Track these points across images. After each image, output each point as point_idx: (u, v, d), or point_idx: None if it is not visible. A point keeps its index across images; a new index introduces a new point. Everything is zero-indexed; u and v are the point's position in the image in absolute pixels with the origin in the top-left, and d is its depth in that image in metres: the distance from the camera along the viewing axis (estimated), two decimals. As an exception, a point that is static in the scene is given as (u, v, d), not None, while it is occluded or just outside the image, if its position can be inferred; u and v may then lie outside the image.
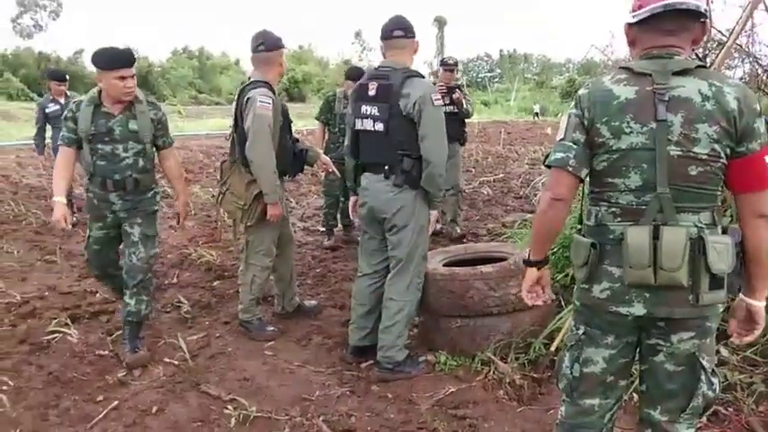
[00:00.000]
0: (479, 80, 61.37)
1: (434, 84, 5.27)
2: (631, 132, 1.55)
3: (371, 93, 2.92)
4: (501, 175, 10.06)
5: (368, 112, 2.94)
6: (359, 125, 3.00)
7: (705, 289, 1.53)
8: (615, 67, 1.70)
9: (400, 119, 2.83)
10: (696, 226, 1.54)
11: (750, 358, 2.87)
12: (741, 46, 3.88)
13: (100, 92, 3.08)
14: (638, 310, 1.60)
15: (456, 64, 5.72)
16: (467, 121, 5.78)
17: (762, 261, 1.59)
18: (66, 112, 3.12)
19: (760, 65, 3.87)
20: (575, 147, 1.63)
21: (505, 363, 2.98)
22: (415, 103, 2.79)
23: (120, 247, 3.35)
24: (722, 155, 1.52)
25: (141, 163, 3.16)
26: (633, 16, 1.61)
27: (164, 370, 3.14)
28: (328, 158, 3.82)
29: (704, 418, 2.50)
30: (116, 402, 2.80)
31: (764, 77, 3.90)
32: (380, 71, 2.96)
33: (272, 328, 3.63)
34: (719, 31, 4.23)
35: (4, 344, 3.40)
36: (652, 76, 1.54)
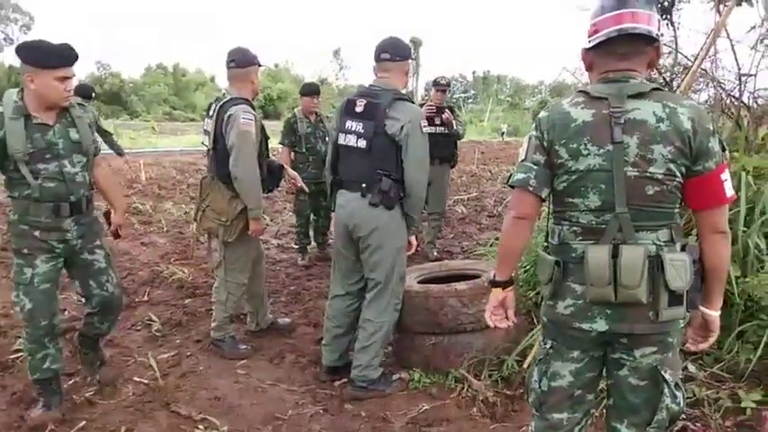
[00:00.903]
0: (454, 101, 62.18)
1: (422, 104, 5.33)
2: (589, 154, 1.61)
3: (359, 109, 2.90)
4: (475, 194, 10.16)
5: (352, 128, 2.92)
6: (342, 140, 2.97)
7: (664, 305, 1.58)
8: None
9: (384, 138, 2.83)
10: (655, 244, 1.59)
11: (717, 374, 2.93)
12: (706, 71, 4.02)
13: (22, 98, 2.52)
14: (601, 326, 1.64)
15: (448, 84, 5.62)
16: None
17: (719, 276, 1.65)
18: None
19: (723, 89, 4.00)
20: (535, 167, 1.69)
21: (479, 380, 2.99)
22: (402, 127, 2.80)
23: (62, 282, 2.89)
24: (678, 174, 1.57)
25: (89, 178, 2.75)
26: (589, 41, 1.67)
27: (133, 389, 3.07)
28: (296, 173, 3.83)
29: (673, 434, 2.55)
30: (83, 423, 2.73)
31: (728, 101, 4.03)
32: (371, 90, 2.96)
33: (244, 347, 3.59)
34: (686, 57, 4.38)
35: (-34, 363, 3.30)
36: (608, 99, 1.60)
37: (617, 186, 1.57)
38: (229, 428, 2.69)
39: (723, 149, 1.59)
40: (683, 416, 2.64)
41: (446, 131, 5.40)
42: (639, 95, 1.58)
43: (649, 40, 1.62)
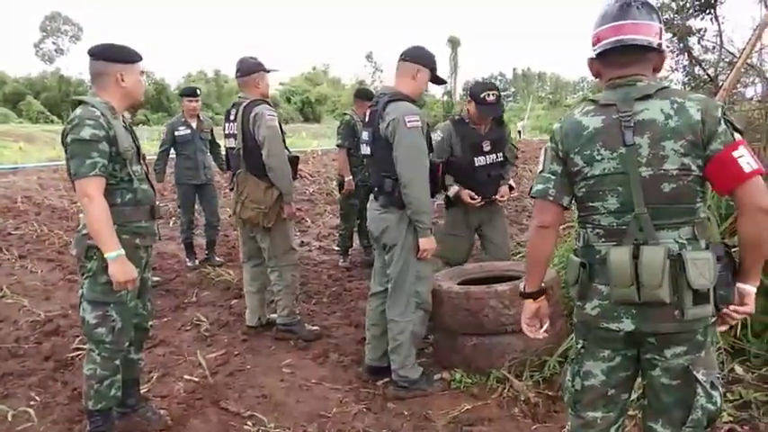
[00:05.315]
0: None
1: (459, 119, 3.89)
2: (603, 159, 1.64)
3: (367, 118, 3.10)
4: (515, 194, 10.03)
5: (364, 137, 3.14)
6: (362, 149, 3.22)
7: (689, 305, 1.57)
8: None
9: (381, 142, 2.94)
10: (677, 242, 1.60)
11: (765, 376, 2.87)
12: (752, 65, 3.93)
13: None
14: (628, 326, 1.66)
15: (499, 97, 3.73)
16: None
17: (755, 247, 1.60)
18: (91, 130, 2.29)
19: (771, 83, 3.91)
20: (553, 177, 1.75)
21: (520, 380, 3.01)
22: (388, 125, 2.87)
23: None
24: (694, 167, 1.58)
25: None
26: (593, 50, 1.70)
27: (184, 386, 3.20)
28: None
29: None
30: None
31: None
32: (377, 97, 3.09)
33: (312, 327, 3.90)
34: (730, 53, 4.29)
35: (30, 360, 3.50)
36: (616, 105, 1.63)
37: (633, 187, 1.60)
38: (276, 425, 2.78)
39: (735, 130, 1.57)
40: (731, 418, 2.60)
41: (499, 158, 3.88)
42: (646, 97, 1.60)
43: (650, 49, 1.64)
